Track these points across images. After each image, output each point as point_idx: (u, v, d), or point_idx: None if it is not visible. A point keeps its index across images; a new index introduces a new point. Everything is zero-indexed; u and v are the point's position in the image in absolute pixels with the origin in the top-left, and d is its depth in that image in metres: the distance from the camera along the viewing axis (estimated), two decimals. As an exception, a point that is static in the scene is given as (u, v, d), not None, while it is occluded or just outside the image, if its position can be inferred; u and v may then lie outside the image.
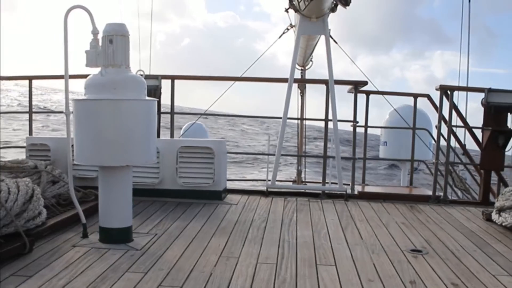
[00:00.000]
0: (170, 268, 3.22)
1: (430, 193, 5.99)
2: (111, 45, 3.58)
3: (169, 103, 6.24)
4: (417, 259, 3.58)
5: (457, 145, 6.58)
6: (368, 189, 6.57)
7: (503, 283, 3.14)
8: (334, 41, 6.36)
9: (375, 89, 6.93)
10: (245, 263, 3.37)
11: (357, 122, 6.23)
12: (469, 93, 6.56)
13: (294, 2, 5.73)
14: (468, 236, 4.28)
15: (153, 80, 5.79)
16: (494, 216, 4.71)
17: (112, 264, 3.25)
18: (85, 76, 3.71)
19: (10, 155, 7.88)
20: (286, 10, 6.56)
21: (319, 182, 6.88)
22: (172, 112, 6.21)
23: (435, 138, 6.51)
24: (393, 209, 5.30)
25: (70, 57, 3.72)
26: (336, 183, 5.87)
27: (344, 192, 5.81)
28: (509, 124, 5.70)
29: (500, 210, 4.64)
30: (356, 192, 6.03)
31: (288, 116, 5.98)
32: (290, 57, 6.03)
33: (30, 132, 6.45)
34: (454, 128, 6.12)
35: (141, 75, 3.81)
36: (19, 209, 3.44)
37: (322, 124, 6.08)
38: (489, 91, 5.64)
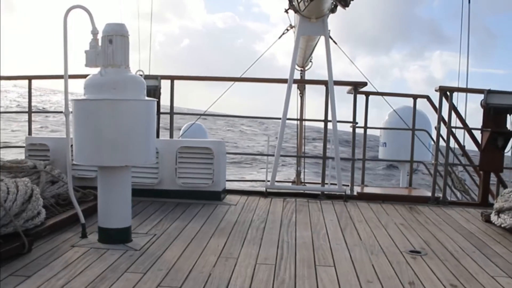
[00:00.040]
0: (169, 269, 3.22)
1: (429, 194, 5.99)
2: (111, 45, 3.58)
3: (169, 103, 6.24)
4: (416, 260, 3.58)
5: (457, 146, 6.58)
6: (367, 190, 6.56)
7: (502, 284, 3.14)
8: (334, 42, 6.38)
9: (375, 90, 6.94)
10: (244, 263, 3.37)
11: (357, 123, 6.23)
12: (468, 94, 6.57)
13: (294, 3, 5.73)
14: (467, 237, 4.29)
15: (152, 81, 5.79)
16: (493, 218, 4.72)
17: (111, 264, 3.25)
18: (84, 76, 3.71)
19: (10, 155, 7.86)
20: (286, 11, 6.55)
21: (318, 183, 6.87)
22: (171, 113, 6.20)
23: (435, 139, 6.52)
24: (392, 210, 5.30)
25: (69, 57, 3.72)
26: (335, 184, 5.86)
27: (343, 193, 5.80)
28: (508, 126, 5.71)
29: (499, 212, 4.64)
30: (355, 193, 6.03)
31: (288, 116, 5.97)
32: (289, 57, 6.02)
33: (30, 132, 6.45)
34: (453, 129, 6.13)
35: (141, 75, 3.81)
36: (18, 209, 3.44)
37: (321, 125, 6.07)
38: (489, 92, 5.65)
